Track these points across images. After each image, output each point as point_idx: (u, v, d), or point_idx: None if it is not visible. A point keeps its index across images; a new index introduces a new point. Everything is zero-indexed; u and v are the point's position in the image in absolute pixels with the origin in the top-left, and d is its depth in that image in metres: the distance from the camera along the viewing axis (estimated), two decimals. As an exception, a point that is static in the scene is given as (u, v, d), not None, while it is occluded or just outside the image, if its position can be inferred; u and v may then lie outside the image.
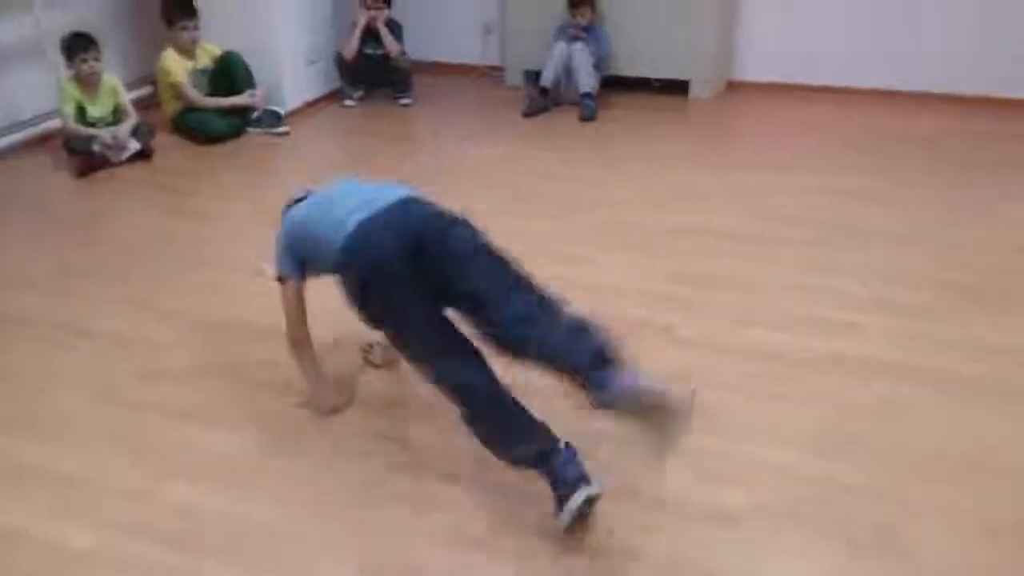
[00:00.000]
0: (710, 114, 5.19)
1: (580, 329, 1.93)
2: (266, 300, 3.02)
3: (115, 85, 4.53)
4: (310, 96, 5.40)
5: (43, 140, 4.68)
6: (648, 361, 2.62)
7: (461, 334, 2.08)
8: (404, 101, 5.43)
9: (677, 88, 5.36)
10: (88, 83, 4.37)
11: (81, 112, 4.37)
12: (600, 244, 3.48)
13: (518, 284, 2.02)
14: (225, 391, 2.60)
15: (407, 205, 2.17)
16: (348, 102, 5.46)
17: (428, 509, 2.11)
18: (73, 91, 4.35)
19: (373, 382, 2.63)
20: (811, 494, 2.13)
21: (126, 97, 4.57)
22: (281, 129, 4.92)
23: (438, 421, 2.35)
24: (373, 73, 5.42)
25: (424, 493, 2.16)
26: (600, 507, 2.03)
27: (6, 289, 3.24)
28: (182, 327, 2.95)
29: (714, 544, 1.99)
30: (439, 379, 2.07)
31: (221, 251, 3.54)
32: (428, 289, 2.04)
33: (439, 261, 2.04)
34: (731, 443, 2.31)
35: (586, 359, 1.87)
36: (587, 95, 5.04)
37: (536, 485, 2.02)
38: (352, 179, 2.42)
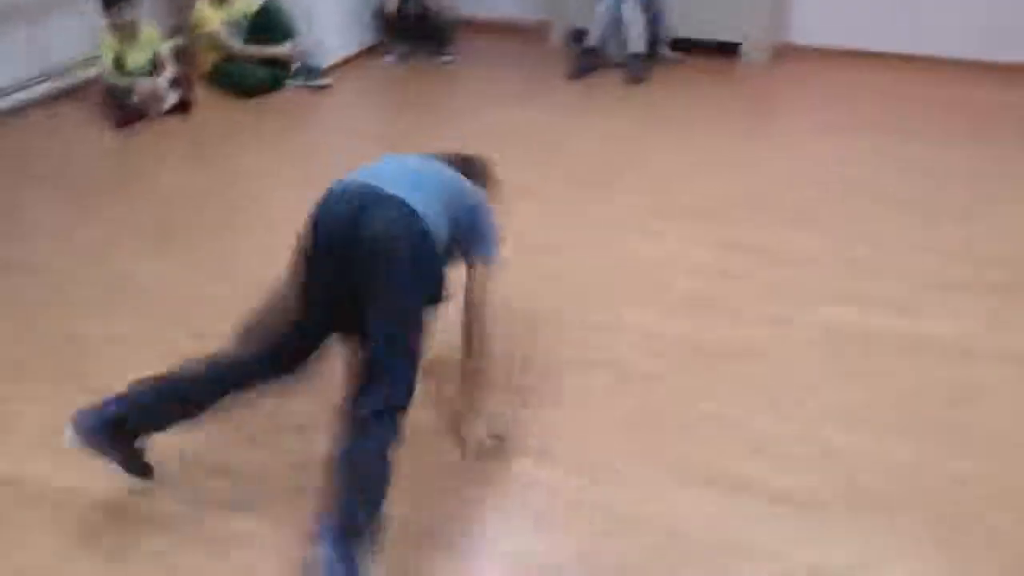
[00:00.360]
0: (762, 79, 5.01)
1: (353, 479, 1.71)
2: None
3: (154, 35, 4.42)
4: (350, 51, 5.26)
5: (77, 91, 4.59)
6: (711, 337, 2.59)
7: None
8: (446, 59, 5.28)
9: (727, 51, 5.18)
10: (126, 33, 4.26)
11: (119, 63, 4.27)
12: (654, 214, 3.36)
13: (379, 375, 1.78)
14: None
15: (380, 203, 1.84)
16: (389, 58, 5.31)
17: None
18: (111, 41, 4.25)
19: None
20: (889, 479, 2.04)
21: (165, 47, 4.46)
22: (322, 82, 4.80)
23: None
24: (415, 29, 5.27)
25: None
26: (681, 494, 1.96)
27: (46, 247, 3.18)
28: (231, 290, 2.87)
29: (787, 527, 1.91)
30: None
31: (266, 211, 3.46)
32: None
33: (353, 272, 1.82)
34: (804, 425, 2.22)
35: (335, 502, 1.67)
36: (636, 56, 4.86)
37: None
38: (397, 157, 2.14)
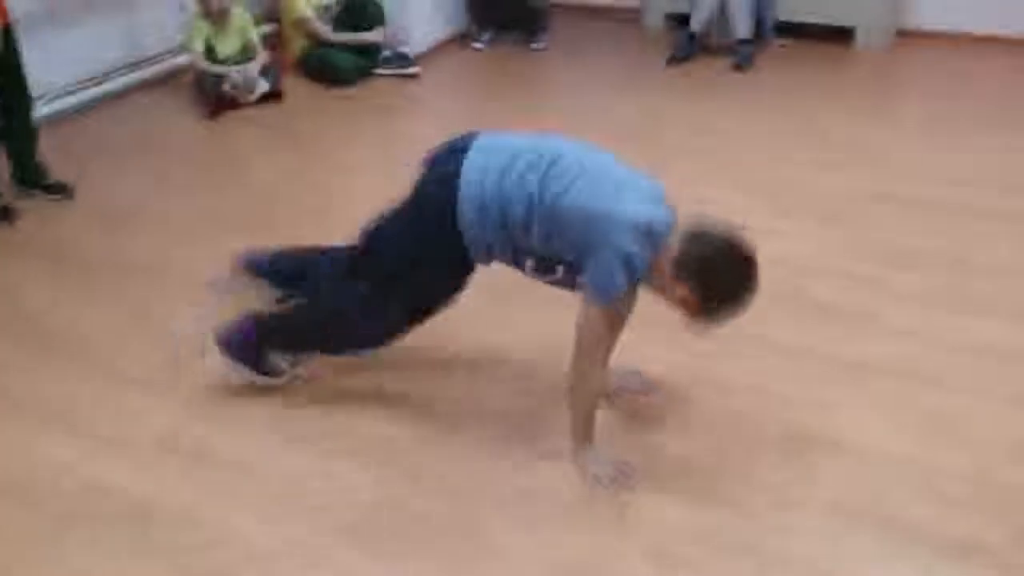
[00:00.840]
0: (879, 66, 4.67)
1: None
2: None
3: (245, 22, 4.33)
4: (440, 37, 5.09)
5: (168, 78, 4.53)
6: (854, 354, 2.35)
7: None
8: (537, 45, 5.08)
9: (842, 36, 4.84)
10: (219, 19, 4.18)
11: (210, 50, 4.19)
12: (771, 212, 3.11)
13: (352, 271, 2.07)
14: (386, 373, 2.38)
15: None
16: (477, 45, 5.14)
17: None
18: (203, 27, 4.17)
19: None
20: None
21: (256, 35, 4.37)
22: (412, 70, 4.66)
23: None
24: (505, 14, 5.08)
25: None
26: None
27: (140, 235, 3.10)
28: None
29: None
30: None
31: (359, 205, 3.31)
32: None
33: None
34: (975, 461, 1.97)
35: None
36: (744, 41, 4.58)
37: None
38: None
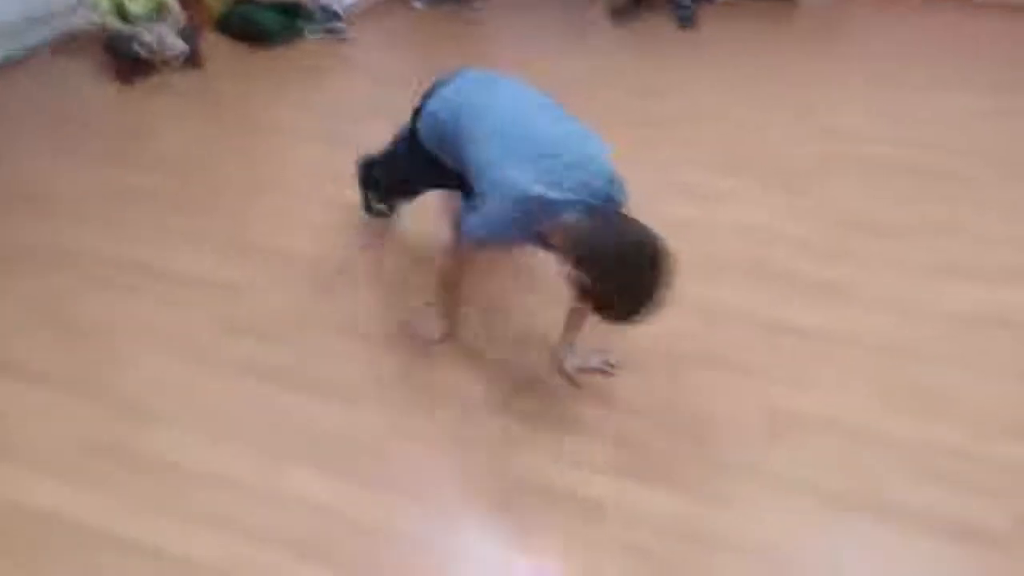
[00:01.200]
0: (824, 22, 4.57)
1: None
2: (357, 233, 2.59)
3: (156, -24, 3.95)
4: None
5: (75, 40, 4.13)
6: (826, 326, 2.25)
7: None
8: (478, 4, 4.82)
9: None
10: (126, -27, 3.81)
11: (120, 8, 3.81)
12: (727, 177, 2.97)
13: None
14: (326, 347, 2.17)
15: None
16: (417, 4, 4.84)
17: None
18: (109, -18, 3.79)
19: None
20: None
21: (169, -9, 4.00)
22: (343, 30, 4.35)
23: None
24: (442, -29, 4.81)
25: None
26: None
27: (52, 217, 2.79)
28: (260, 265, 2.51)
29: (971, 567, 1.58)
30: None
31: (291, 174, 3.06)
32: None
33: None
34: (967, 435, 1.87)
35: None
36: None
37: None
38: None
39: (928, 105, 3.52)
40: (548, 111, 1.91)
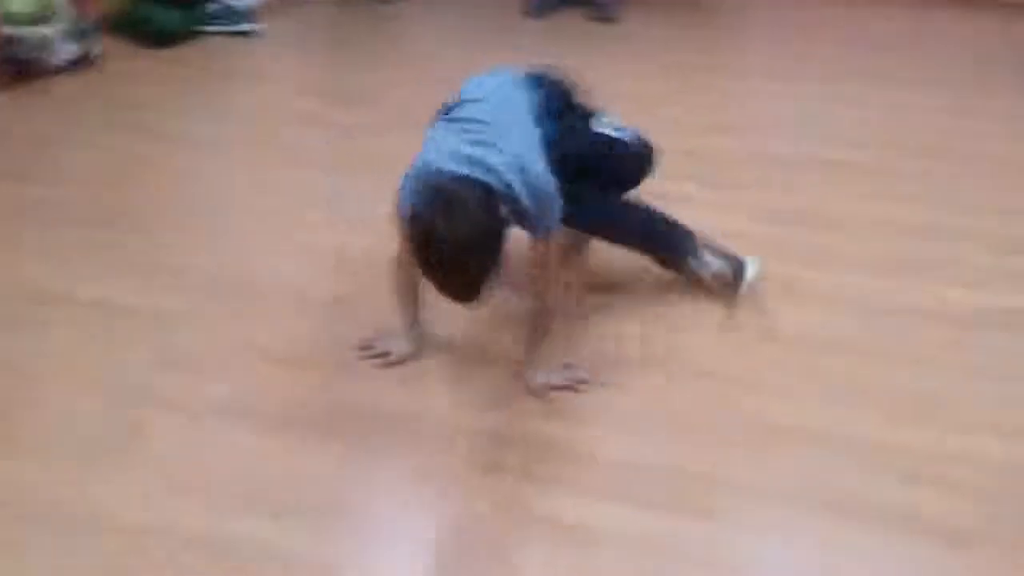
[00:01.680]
0: (744, 13, 4.61)
1: None
2: (293, 253, 2.42)
3: (40, -29, 3.61)
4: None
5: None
6: (766, 324, 2.23)
7: None
8: (391, -4, 4.64)
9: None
10: (6, -32, 3.46)
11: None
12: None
13: None
14: (270, 377, 2.00)
15: None
16: (324, -6, 4.62)
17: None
18: (-14, -22, 3.44)
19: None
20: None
21: (55, -13, 3.67)
22: (248, 27, 4.10)
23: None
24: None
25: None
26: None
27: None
28: (187, 290, 2.30)
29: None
30: None
31: (210, 187, 2.85)
32: None
33: None
34: (942, 436, 1.86)
35: None
36: (606, -9, 4.37)
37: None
38: None
39: (843, 98, 3.56)
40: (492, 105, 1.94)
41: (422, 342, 2.04)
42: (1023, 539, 1.63)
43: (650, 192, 2.22)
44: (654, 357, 2.07)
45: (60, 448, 1.80)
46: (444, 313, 1.99)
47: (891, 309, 2.26)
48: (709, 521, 1.66)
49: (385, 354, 2.01)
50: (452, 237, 1.54)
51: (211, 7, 4.09)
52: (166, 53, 3.86)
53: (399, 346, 2.02)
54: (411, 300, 2.00)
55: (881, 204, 2.75)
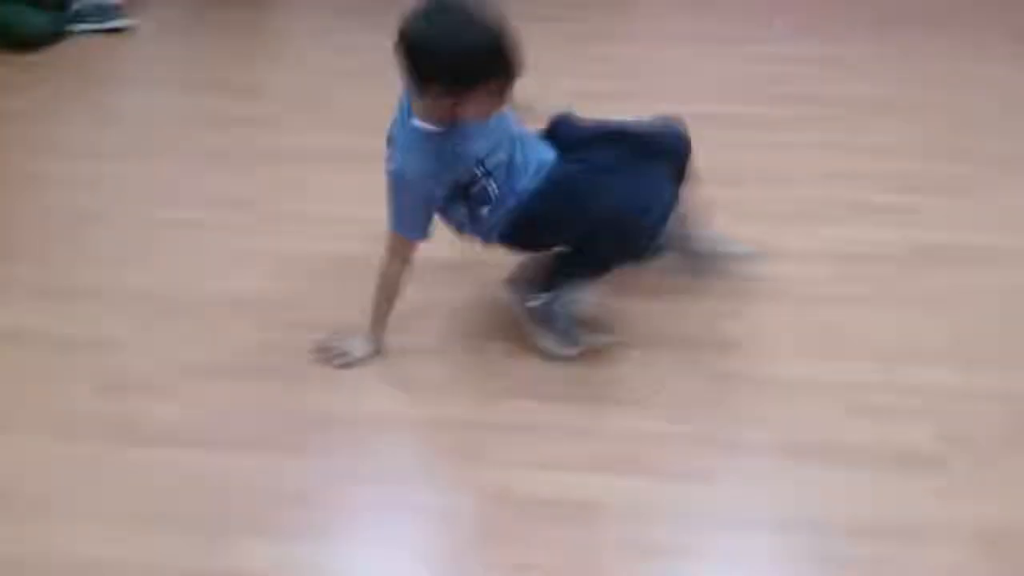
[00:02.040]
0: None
1: None
2: (220, 260, 2.33)
3: None
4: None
5: None
6: (719, 291, 2.29)
7: None
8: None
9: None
10: None
11: None
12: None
13: None
14: (224, 396, 1.92)
15: None
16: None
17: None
18: None
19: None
20: (999, 415, 1.86)
21: None
22: (118, 23, 3.85)
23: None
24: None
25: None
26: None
27: None
28: (116, 311, 2.17)
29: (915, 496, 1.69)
30: None
31: (116, 198, 2.68)
32: None
33: None
34: (885, 371, 1.99)
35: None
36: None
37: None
38: None
39: (729, 56, 3.69)
40: None
41: (381, 345, 2.00)
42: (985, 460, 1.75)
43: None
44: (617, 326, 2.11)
45: (13, 493, 1.68)
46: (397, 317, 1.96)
47: (822, 252, 2.37)
48: (698, 483, 1.72)
49: (343, 354, 1.96)
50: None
51: (78, 4, 3.82)
52: (35, 58, 3.59)
53: (360, 346, 1.96)
54: (393, 297, 1.91)
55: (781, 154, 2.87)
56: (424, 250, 1.87)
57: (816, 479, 1.72)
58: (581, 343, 1.98)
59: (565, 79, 3.18)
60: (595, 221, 1.73)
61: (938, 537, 1.59)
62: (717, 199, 2.20)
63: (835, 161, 2.82)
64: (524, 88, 1.72)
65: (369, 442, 1.81)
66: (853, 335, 2.08)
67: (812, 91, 3.30)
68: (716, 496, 1.69)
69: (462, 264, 2.25)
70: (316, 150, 2.90)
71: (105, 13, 3.85)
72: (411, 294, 1.95)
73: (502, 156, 1.81)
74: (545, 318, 1.94)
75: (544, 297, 1.92)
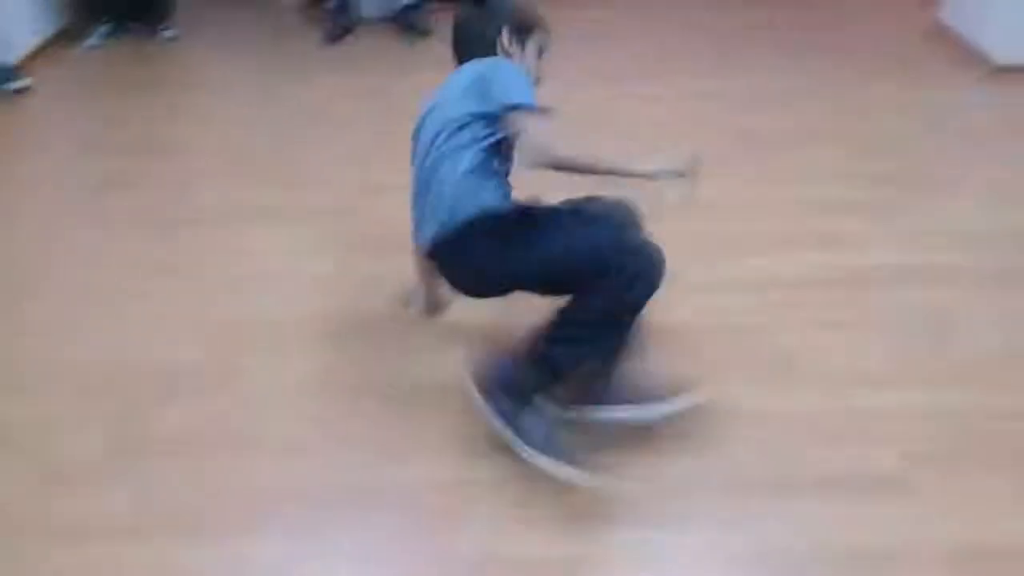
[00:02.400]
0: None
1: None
2: (148, 327, 2.23)
3: None
4: (45, 36, 4.08)
5: None
6: (671, 320, 2.29)
7: None
8: (168, 34, 4.31)
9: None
10: None
11: None
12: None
13: None
14: (184, 475, 1.81)
15: None
16: (90, 41, 4.21)
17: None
18: None
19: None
20: (954, 431, 1.92)
21: None
22: (17, 84, 3.67)
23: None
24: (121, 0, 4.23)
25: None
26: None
27: None
28: (48, 390, 2.03)
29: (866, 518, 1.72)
30: None
31: (26, 266, 2.53)
32: None
33: None
34: (838, 396, 2.03)
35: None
36: (411, 7, 4.31)
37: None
38: None
39: (650, 97, 3.77)
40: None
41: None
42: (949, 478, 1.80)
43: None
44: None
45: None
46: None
47: (753, 282, 2.42)
48: (672, 524, 1.71)
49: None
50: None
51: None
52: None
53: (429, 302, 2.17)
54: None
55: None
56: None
57: (786, 511, 1.73)
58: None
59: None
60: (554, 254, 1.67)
61: (911, 560, 1.62)
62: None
63: (759, 191, 2.90)
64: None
65: (319, 518, 1.73)
66: (801, 363, 2.12)
67: (731, 123, 3.40)
68: (687, 538, 1.68)
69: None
70: (239, 208, 2.81)
71: (2, 75, 3.65)
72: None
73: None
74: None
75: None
